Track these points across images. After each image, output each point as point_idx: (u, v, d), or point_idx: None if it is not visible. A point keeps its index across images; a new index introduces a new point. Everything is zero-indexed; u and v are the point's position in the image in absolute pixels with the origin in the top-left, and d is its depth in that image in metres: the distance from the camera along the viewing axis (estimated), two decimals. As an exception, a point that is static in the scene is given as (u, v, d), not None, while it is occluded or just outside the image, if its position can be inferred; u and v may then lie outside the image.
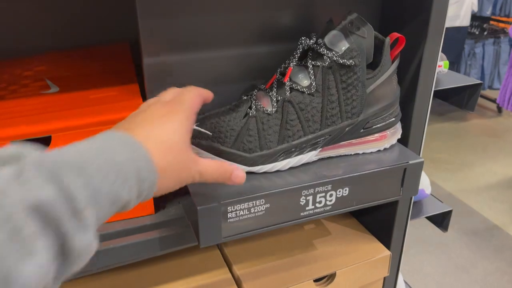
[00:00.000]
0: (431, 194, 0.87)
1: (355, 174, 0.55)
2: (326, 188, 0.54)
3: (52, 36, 0.73)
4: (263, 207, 0.52)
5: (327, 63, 0.53)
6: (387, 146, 0.61)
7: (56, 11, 0.71)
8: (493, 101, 3.40)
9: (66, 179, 0.28)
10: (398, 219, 0.71)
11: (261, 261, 0.70)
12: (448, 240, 2.02)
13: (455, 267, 1.87)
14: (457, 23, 3.01)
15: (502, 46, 3.27)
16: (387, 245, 0.73)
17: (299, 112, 0.54)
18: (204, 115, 0.55)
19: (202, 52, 0.58)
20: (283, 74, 0.56)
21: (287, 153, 0.55)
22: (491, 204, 2.30)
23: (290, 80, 0.55)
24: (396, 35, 0.56)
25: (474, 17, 3.25)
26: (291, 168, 0.57)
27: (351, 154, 0.60)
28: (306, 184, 0.53)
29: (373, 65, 0.56)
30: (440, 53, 0.63)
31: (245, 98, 0.57)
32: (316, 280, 0.68)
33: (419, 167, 0.59)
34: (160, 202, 0.60)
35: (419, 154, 0.66)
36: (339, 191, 0.55)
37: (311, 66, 0.54)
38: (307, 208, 0.55)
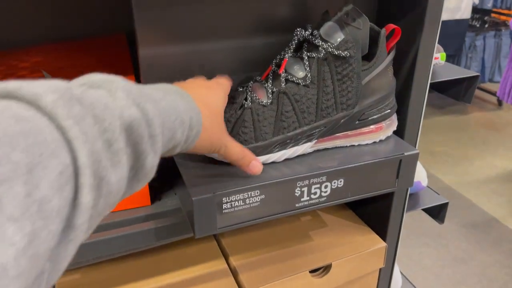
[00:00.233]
0: (427, 186, 0.87)
1: (350, 166, 0.55)
2: (321, 179, 0.55)
3: (49, 27, 0.73)
4: (258, 198, 0.52)
5: (322, 54, 0.53)
6: (383, 137, 0.61)
7: (53, 2, 0.71)
8: (494, 94, 3.40)
9: (147, 106, 0.32)
10: (394, 211, 0.71)
11: (257, 252, 0.70)
12: (446, 232, 2.03)
13: (454, 260, 1.88)
14: (458, 16, 3.00)
15: (503, 39, 3.26)
16: (383, 237, 0.74)
17: (294, 104, 0.54)
18: None
19: (198, 43, 0.59)
20: (278, 66, 0.56)
21: (282, 145, 0.55)
22: (491, 197, 2.30)
23: (286, 71, 0.55)
24: (391, 26, 0.56)
25: (475, 9, 3.23)
26: (286, 159, 0.57)
27: (346, 146, 0.60)
28: (301, 175, 0.53)
29: (369, 56, 0.56)
30: (436, 45, 0.63)
31: (241, 89, 0.57)
32: (312, 271, 0.69)
33: (414, 158, 0.59)
34: (156, 193, 0.60)
35: (415, 146, 0.66)
36: (334, 183, 0.56)
37: (306, 58, 0.54)
38: (302, 200, 0.55)
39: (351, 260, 0.71)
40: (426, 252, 1.92)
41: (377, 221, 0.75)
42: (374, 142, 0.61)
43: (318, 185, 0.55)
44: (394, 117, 0.63)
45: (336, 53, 0.52)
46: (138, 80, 0.58)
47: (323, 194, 0.56)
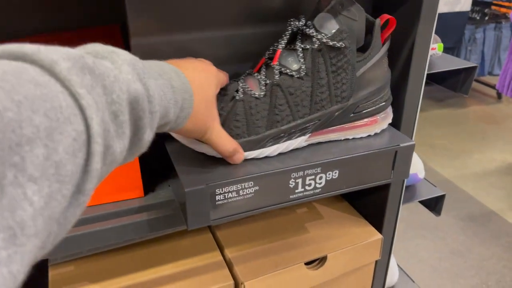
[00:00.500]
0: (424, 178, 0.87)
1: (345, 157, 0.55)
2: (315, 170, 0.54)
3: (42, 18, 0.72)
4: (252, 190, 0.52)
5: (316, 45, 0.52)
6: (378, 131, 0.60)
7: (46, -8, 0.70)
8: (493, 87, 3.39)
9: (149, 83, 0.33)
10: (390, 203, 0.70)
11: (252, 244, 0.70)
12: (444, 225, 2.03)
13: (451, 253, 1.88)
14: (458, 8, 2.98)
15: (503, 31, 3.24)
16: (379, 229, 0.73)
17: (288, 97, 0.53)
18: None
19: (190, 33, 0.58)
20: (271, 57, 0.55)
21: (276, 139, 0.54)
22: (489, 190, 2.30)
23: (279, 63, 0.54)
24: (386, 16, 0.55)
25: (475, 1, 3.22)
26: (280, 154, 0.56)
27: (341, 140, 0.59)
28: (295, 166, 0.53)
29: (363, 47, 0.55)
30: (434, 35, 0.62)
31: (233, 81, 0.56)
32: (307, 263, 0.68)
33: (410, 149, 0.58)
34: (150, 184, 0.60)
35: (411, 138, 0.66)
36: (329, 174, 0.55)
37: (300, 49, 0.52)
38: (296, 191, 0.54)
39: (346, 252, 0.70)
40: (424, 244, 1.93)
41: (373, 213, 0.74)
42: (369, 135, 0.60)
43: (313, 177, 0.54)
44: (389, 110, 0.62)
45: (331, 43, 0.51)
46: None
47: (317, 185, 0.55)
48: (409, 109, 0.64)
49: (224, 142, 0.50)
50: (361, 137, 0.60)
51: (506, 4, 3.29)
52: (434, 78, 0.77)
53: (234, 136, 0.52)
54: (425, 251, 1.89)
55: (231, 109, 0.53)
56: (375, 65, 0.55)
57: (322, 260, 0.69)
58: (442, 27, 3.02)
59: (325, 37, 0.51)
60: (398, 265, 1.00)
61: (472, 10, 3.23)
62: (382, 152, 0.56)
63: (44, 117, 0.22)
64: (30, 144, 0.21)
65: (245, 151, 0.53)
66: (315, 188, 0.55)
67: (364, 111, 0.57)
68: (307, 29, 0.53)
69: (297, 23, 0.53)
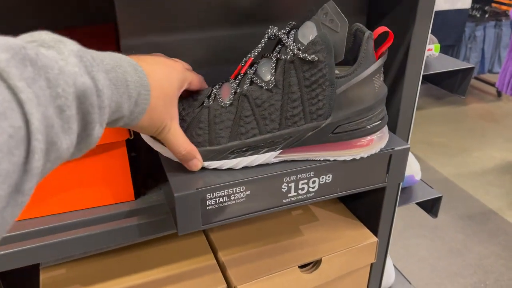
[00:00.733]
0: (421, 180, 0.86)
1: (338, 160, 0.54)
2: (308, 174, 0.53)
3: (36, 17, 0.71)
4: (244, 194, 0.51)
5: (289, 56, 0.48)
6: (364, 155, 0.54)
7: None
8: (493, 85, 3.37)
9: (98, 76, 0.31)
10: (385, 205, 0.70)
11: (246, 247, 0.69)
12: (443, 224, 2.03)
13: (450, 251, 1.88)
14: (458, 5, 2.97)
15: (503, 29, 3.22)
16: (375, 231, 0.72)
17: (254, 109, 0.49)
18: None
19: (181, 33, 0.57)
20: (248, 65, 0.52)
21: (240, 152, 0.51)
22: (488, 189, 2.30)
23: (255, 72, 0.51)
24: (382, 29, 0.51)
25: (476, -1, 3.20)
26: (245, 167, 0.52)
27: (319, 160, 0.54)
28: (288, 170, 0.52)
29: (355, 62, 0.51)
30: (430, 36, 0.61)
31: (210, 87, 0.53)
32: (301, 267, 0.68)
33: (405, 153, 0.57)
34: (141, 188, 0.59)
35: (407, 141, 0.65)
36: (322, 178, 0.54)
37: (274, 59, 0.49)
38: (289, 195, 0.54)
39: (341, 255, 0.70)
40: (422, 243, 1.92)
41: (368, 215, 0.74)
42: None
43: (306, 181, 0.53)
44: (380, 134, 0.55)
45: (302, 56, 0.47)
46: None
47: (310, 189, 0.54)
48: (405, 111, 0.63)
49: (180, 143, 0.47)
50: (344, 160, 0.54)
51: (507, 1, 3.27)
52: (431, 79, 0.76)
53: (195, 144, 0.50)
54: (423, 249, 1.88)
55: (196, 115, 0.50)
56: (362, 83, 0.50)
57: (316, 264, 0.69)
58: (442, 25, 3.02)
59: (297, 48, 0.48)
60: (395, 266, 0.99)
61: (472, 8, 3.21)
62: (376, 155, 0.55)
63: None
64: None
65: (206, 160, 0.51)
66: (308, 192, 0.54)
67: (346, 132, 0.52)
68: (284, 38, 0.49)
69: (274, 30, 0.50)
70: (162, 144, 0.49)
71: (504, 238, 1.95)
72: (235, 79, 0.52)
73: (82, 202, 0.55)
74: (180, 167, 0.51)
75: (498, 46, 3.26)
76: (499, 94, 3.45)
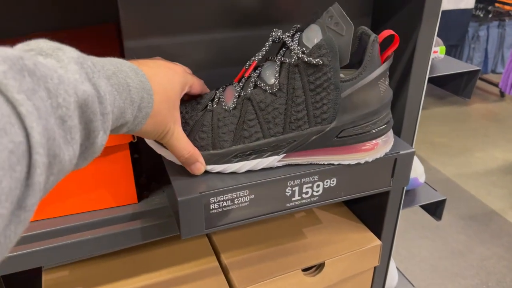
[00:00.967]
0: (425, 182, 0.85)
1: (343, 164, 0.53)
2: (312, 178, 0.53)
3: (38, 17, 0.71)
4: (247, 198, 0.51)
5: (293, 60, 0.47)
6: (369, 159, 0.53)
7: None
8: (496, 85, 3.36)
9: (99, 82, 0.31)
10: (389, 209, 0.69)
11: (249, 249, 0.69)
12: (445, 225, 2.02)
13: (452, 252, 1.87)
14: (462, 5, 2.95)
15: (506, 29, 3.21)
16: (378, 235, 0.72)
17: (258, 112, 0.49)
18: None
19: (185, 35, 0.56)
20: (254, 68, 0.52)
21: (243, 155, 0.50)
22: (490, 190, 2.29)
23: (259, 75, 0.50)
24: (388, 32, 0.50)
25: (479, -1, 3.19)
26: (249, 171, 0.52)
27: (323, 164, 0.53)
28: (292, 174, 0.51)
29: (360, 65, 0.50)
30: (436, 38, 0.60)
31: (214, 91, 0.53)
32: (304, 270, 0.67)
33: (410, 157, 0.57)
34: (144, 191, 0.59)
35: (411, 144, 0.65)
36: (327, 182, 0.54)
37: (278, 63, 0.48)
38: (293, 199, 0.53)
39: (345, 259, 0.69)
40: (424, 244, 1.92)
41: (372, 218, 0.73)
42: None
43: (310, 185, 0.53)
44: (385, 138, 0.54)
45: (307, 59, 0.46)
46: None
47: (315, 193, 0.54)
48: (410, 115, 0.62)
49: (183, 146, 0.47)
50: (349, 164, 0.53)
51: (510, 1, 3.25)
52: (436, 81, 0.75)
53: (199, 147, 0.50)
54: (425, 250, 1.88)
55: (199, 118, 0.50)
56: (367, 86, 0.49)
57: (319, 267, 0.68)
58: (445, 24, 3.01)
59: (302, 51, 0.47)
60: (398, 269, 0.99)
61: (476, 8, 3.19)
62: (381, 159, 0.55)
63: None
64: None
65: (209, 164, 0.50)
66: (312, 196, 0.54)
67: (350, 136, 0.51)
68: (289, 41, 0.48)
69: (278, 33, 0.49)
70: (166, 148, 0.49)
71: (507, 239, 1.94)
72: (238, 82, 0.52)
73: (85, 204, 0.54)
74: (184, 171, 0.51)
75: (502, 46, 3.25)
76: (502, 94, 3.44)
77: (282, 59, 0.48)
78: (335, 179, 0.54)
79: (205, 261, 0.67)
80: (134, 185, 0.55)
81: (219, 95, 0.51)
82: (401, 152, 0.56)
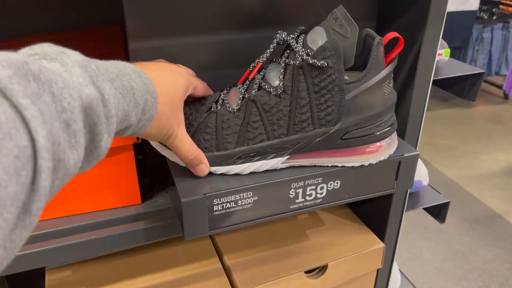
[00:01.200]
0: (428, 185, 0.85)
1: (347, 167, 0.53)
2: (316, 180, 0.53)
3: (43, 17, 0.71)
4: (251, 200, 0.51)
5: (297, 62, 0.47)
6: (373, 161, 0.53)
7: (45, -9, 0.69)
8: (500, 87, 3.35)
9: (103, 86, 0.31)
10: (393, 211, 0.69)
11: (252, 251, 0.69)
12: (448, 227, 2.02)
13: (455, 254, 1.87)
14: (466, 7, 2.95)
15: (511, 31, 3.20)
16: (382, 237, 0.72)
17: (262, 114, 0.49)
18: None
19: (190, 37, 0.56)
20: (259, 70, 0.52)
21: (247, 157, 0.50)
22: (494, 192, 2.28)
23: (263, 77, 0.50)
24: (393, 34, 0.50)
25: (483, 1, 3.18)
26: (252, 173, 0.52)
27: (327, 166, 0.53)
28: (296, 176, 0.51)
29: (364, 67, 0.50)
30: (441, 40, 0.60)
31: (218, 92, 0.53)
32: (307, 272, 0.67)
33: (414, 160, 0.57)
34: (148, 191, 0.59)
35: (415, 146, 0.64)
36: (330, 184, 0.54)
37: (283, 65, 0.48)
38: (296, 201, 0.53)
39: (348, 261, 0.69)
40: (427, 246, 1.91)
41: (375, 220, 0.73)
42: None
43: (314, 187, 0.53)
44: (389, 140, 0.54)
45: (311, 61, 0.46)
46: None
47: (318, 195, 0.54)
48: (414, 117, 0.62)
49: (187, 148, 0.47)
50: (353, 166, 0.53)
51: (515, 3, 3.25)
52: (440, 84, 0.75)
53: (203, 149, 0.50)
54: (429, 252, 1.88)
55: (203, 120, 0.50)
56: (372, 89, 0.49)
57: (322, 269, 0.68)
58: (449, 26, 3.00)
59: (306, 54, 0.47)
60: (400, 271, 0.99)
61: (480, 9, 3.19)
62: (385, 162, 0.55)
63: None
64: None
65: (213, 166, 0.50)
66: (316, 198, 0.54)
67: (354, 138, 0.51)
68: (293, 43, 0.48)
69: (283, 35, 0.49)
70: (171, 149, 0.49)
71: (510, 242, 1.93)
72: (243, 84, 0.52)
73: (89, 205, 0.54)
74: (187, 172, 0.51)
75: (506, 48, 3.24)
76: (506, 96, 3.43)
77: (287, 61, 0.48)
78: (339, 181, 0.54)
79: (208, 262, 0.67)
80: (138, 186, 0.55)
81: (223, 96, 0.51)
82: (405, 155, 0.56)
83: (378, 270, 0.75)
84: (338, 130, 0.50)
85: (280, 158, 0.51)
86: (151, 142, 0.51)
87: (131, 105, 0.36)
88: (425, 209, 0.84)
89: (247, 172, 0.51)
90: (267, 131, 0.50)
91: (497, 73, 3.32)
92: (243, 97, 0.50)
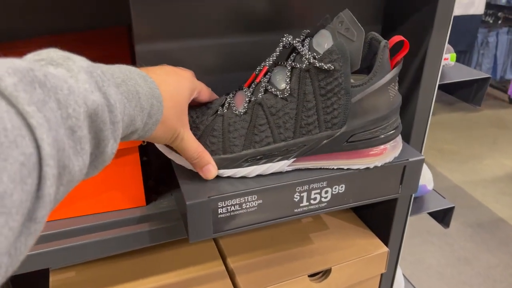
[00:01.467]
0: (433, 190, 0.85)
1: (351, 171, 0.53)
2: (321, 184, 0.53)
3: (49, 19, 0.72)
4: (256, 203, 0.51)
5: (304, 65, 0.47)
6: (378, 164, 0.53)
7: (52, -7, 0.70)
8: (505, 91, 3.34)
9: (109, 91, 0.31)
10: (397, 216, 0.69)
11: (256, 254, 0.69)
12: (452, 232, 2.01)
13: (458, 260, 1.86)
14: (471, 11, 2.94)
15: (516, 35, 3.19)
16: (386, 241, 0.72)
17: (269, 117, 0.49)
18: None
19: (196, 40, 0.57)
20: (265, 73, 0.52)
21: (253, 160, 0.51)
22: (498, 197, 2.27)
23: (269, 80, 0.50)
24: (398, 38, 0.50)
25: (489, 5, 3.17)
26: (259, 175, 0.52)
27: (333, 168, 0.54)
28: (301, 180, 0.51)
29: (370, 70, 0.50)
30: (446, 45, 0.60)
31: (224, 96, 0.53)
32: (311, 275, 0.67)
33: (419, 164, 0.57)
34: (152, 193, 0.59)
35: (420, 151, 0.64)
36: (335, 188, 0.54)
37: (289, 68, 0.49)
38: (301, 205, 0.53)
39: (351, 265, 0.69)
40: (431, 251, 1.90)
41: (380, 225, 0.73)
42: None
43: (318, 190, 0.53)
44: (394, 143, 0.54)
45: (318, 65, 0.46)
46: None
47: (323, 199, 0.54)
48: (419, 121, 0.62)
49: (193, 149, 0.47)
50: (358, 168, 0.53)
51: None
52: (446, 88, 0.75)
53: (209, 152, 0.50)
54: (432, 257, 1.87)
55: (209, 123, 0.50)
56: (378, 92, 0.49)
57: (326, 273, 0.68)
58: (454, 30, 2.99)
59: (313, 57, 0.47)
60: (404, 275, 0.98)
61: (486, 14, 3.18)
62: (390, 166, 0.55)
63: None
64: None
65: (220, 169, 0.50)
66: (320, 202, 0.54)
67: (360, 141, 0.51)
68: (299, 46, 0.48)
69: (289, 38, 0.49)
70: (177, 153, 0.49)
71: (514, 248, 1.92)
72: (249, 87, 0.52)
73: (94, 206, 0.55)
74: (192, 174, 0.51)
75: (511, 53, 3.23)
76: (510, 101, 3.41)
77: (293, 64, 0.48)
78: (343, 186, 0.54)
79: (211, 264, 0.67)
80: (143, 188, 0.55)
81: (230, 100, 0.51)
82: (410, 160, 0.56)
83: (382, 274, 0.74)
84: (344, 133, 0.50)
85: (286, 161, 0.51)
86: (157, 145, 0.51)
87: (137, 110, 0.36)
88: (430, 213, 0.84)
89: (254, 174, 0.52)
90: (273, 134, 0.50)
91: (502, 78, 3.31)
92: (250, 100, 0.50)
